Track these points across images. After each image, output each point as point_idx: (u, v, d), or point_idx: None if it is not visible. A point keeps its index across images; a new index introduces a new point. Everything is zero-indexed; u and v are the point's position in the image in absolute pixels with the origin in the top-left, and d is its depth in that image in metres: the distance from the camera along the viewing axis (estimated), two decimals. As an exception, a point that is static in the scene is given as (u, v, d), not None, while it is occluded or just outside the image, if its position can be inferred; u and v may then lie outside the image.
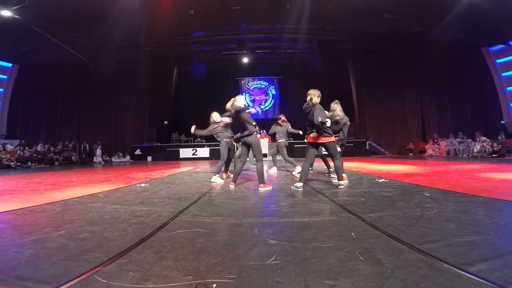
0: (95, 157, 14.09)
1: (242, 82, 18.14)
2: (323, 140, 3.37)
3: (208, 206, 2.65)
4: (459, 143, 11.73)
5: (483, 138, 10.80)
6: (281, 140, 5.71)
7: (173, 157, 13.24)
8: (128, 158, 14.64)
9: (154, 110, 15.79)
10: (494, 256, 1.30)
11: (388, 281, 1.10)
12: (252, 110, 4.13)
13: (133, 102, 15.97)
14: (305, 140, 3.58)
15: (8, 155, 10.05)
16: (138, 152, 14.25)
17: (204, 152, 13.46)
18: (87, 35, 11.80)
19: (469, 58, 12.22)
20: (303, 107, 3.50)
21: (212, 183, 4.33)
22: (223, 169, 4.86)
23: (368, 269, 1.20)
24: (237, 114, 3.61)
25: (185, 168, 7.82)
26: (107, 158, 14.64)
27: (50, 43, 11.66)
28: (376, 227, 1.80)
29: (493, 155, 9.90)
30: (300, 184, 3.45)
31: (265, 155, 13.02)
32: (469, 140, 11.37)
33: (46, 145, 12.43)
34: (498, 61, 11.50)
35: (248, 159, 6.56)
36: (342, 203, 2.59)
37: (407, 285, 1.06)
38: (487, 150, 10.28)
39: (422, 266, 1.22)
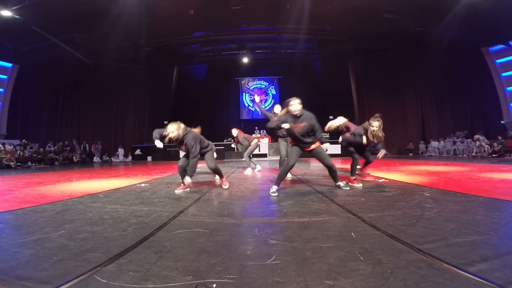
0: (94, 157, 14.11)
1: (242, 82, 18.15)
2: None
3: (208, 206, 2.65)
4: (461, 142, 11.77)
5: (477, 136, 10.82)
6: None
7: (173, 157, 13.24)
8: (129, 158, 14.63)
9: (154, 110, 15.78)
10: (494, 256, 1.30)
11: (388, 281, 1.10)
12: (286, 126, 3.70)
13: (133, 102, 15.96)
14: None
15: (8, 155, 10.05)
16: (138, 152, 14.25)
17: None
18: (87, 35, 11.81)
19: (469, 58, 12.22)
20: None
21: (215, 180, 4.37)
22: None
23: (368, 269, 1.20)
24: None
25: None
26: (107, 158, 14.65)
27: (50, 43, 11.65)
28: (376, 227, 1.81)
29: (493, 155, 9.91)
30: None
31: (265, 156, 13.11)
32: (468, 140, 11.39)
33: (56, 145, 12.48)
34: (498, 61, 11.49)
35: (244, 159, 6.62)
36: (342, 203, 2.60)
37: (407, 285, 1.06)
38: (486, 150, 10.29)
39: (422, 266, 1.22)
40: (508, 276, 1.10)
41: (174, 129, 3.26)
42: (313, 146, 3.22)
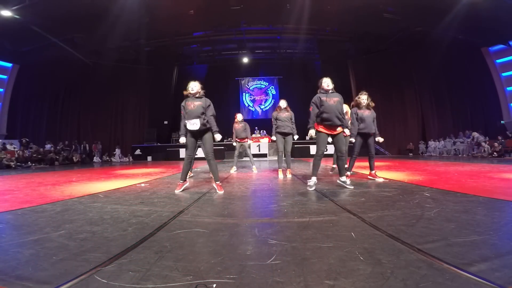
0: (94, 157, 14.12)
1: (242, 82, 18.14)
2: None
3: (208, 206, 2.65)
4: (460, 142, 11.80)
5: (474, 134, 10.89)
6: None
7: (173, 157, 13.25)
8: (127, 158, 14.63)
9: (154, 110, 15.78)
10: (494, 256, 1.30)
11: (388, 281, 1.10)
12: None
13: (133, 102, 15.96)
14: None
15: (8, 155, 10.05)
16: (138, 152, 14.25)
17: (204, 152, 13.44)
18: (87, 35, 11.80)
19: (469, 58, 12.23)
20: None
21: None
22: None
23: (368, 269, 1.20)
24: None
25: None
26: (107, 158, 14.65)
27: (50, 43, 11.65)
28: (376, 227, 1.81)
29: (493, 155, 9.91)
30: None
31: (265, 156, 13.10)
32: (469, 140, 11.40)
33: (57, 146, 12.48)
34: (498, 61, 11.50)
35: (248, 158, 6.61)
36: (342, 203, 2.60)
37: (407, 285, 1.06)
38: (486, 150, 10.29)
39: (422, 266, 1.22)
40: (508, 276, 1.10)
41: (196, 85, 3.45)
42: (339, 130, 3.45)
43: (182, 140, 3.48)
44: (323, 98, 3.38)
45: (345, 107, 4.59)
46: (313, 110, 3.44)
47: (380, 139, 4.24)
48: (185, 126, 3.43)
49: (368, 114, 4.17)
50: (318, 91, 3.49)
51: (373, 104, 4.23)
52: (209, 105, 3.43)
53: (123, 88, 15.53)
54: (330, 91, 3.43)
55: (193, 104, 3.38)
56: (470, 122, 12.64)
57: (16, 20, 9.54)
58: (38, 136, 13.37)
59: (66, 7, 9.52)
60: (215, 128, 3.45)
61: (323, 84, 3.45)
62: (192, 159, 3.52)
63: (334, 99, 3.38)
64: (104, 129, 15.37)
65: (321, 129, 3.44)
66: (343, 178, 3.55)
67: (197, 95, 3.45)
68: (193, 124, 3.36)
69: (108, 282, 1.14)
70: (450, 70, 12.91)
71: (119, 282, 1.14)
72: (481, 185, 3.45)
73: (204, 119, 3.40)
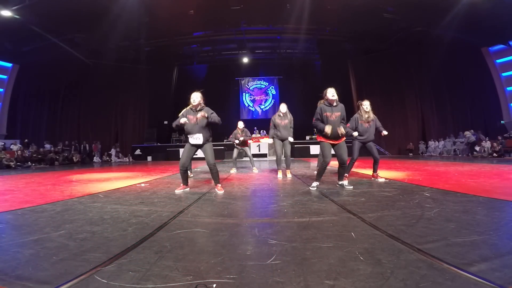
0: (94, 157, 14.12)
1: (242, 82, 18.14)
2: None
3: (208, 206, 2.65)
4: (460, 142, 11.83)
5: (466, 132, 10.97)
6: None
7: (173, 157, 13.25)
8: (124, 159, 14.63)
9: (154, 110, 15.78)
10: (494, 256, 1.30)
11: (388, 281, 1.10)
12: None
13: (133, 102, 15.96)
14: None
15: (8, 155, 10.04)
16: (138, 152, 14.26)
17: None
18: (87, 35, 11.81)
19: (469, 58, 12.21)
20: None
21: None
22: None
23: (368, 269, 1.20)
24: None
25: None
26: (107, 158, 14.64)
27: (50, 43, 11.66)
28: (376, 227, 1.81)
29: (494, 155, 9.91)
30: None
31: (265, 156, 13.10)
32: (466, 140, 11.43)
33: (58, 146, 12.48)
34: (498, 61, 11.49)
35: (248, 159, 6.61)
36: (342, 203, 2.60)
37: (407, 285, 1.06)
38: (486, 150, 10.30)
39: (422, 266, 1.22)
40: (508, 276, 1.10)
41: (198, 97, 3.45)
42: (340, 140, 3.43)
43: (183, 119, 3.35)
44: (326, 114, 3.34)
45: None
46: (316, 119, 3.42)
47: (384, 132, 4.16)
48: (181, 126, 3.41)
49: (368, 126, 4.07)
50: (323, 102, 3.42)
51: (373, 117, 4.11)
52: (212, 113, 3.42)
53: (123, 88, 15.52)
54: (334, 103, 3.35)
55: (195, 118, 3.37)
56: (470, 122, 12.63)
57: (16, 20, 9.54)
58: (38, 136, 13.36)
59: (66, 7, 9.51)
60: (215, 117, 3.38)
61: (327, 95, 3.35)
62: (186, 168, 3.48)
63: (336, 114, 3.34)
64: (104, 129, 15.37)
65: (323, 139, 3.44)
66: (341, 181, 3.58)
67: (198, 108, 3.42)
68: (196, 139, 3.36)
69: (108, 282, 1.14)
70: (450, 70, 12.90)
71: (119, 282, 1.14)
72: (481, 185, 3.45)
73: (207, 133, 3.41)
